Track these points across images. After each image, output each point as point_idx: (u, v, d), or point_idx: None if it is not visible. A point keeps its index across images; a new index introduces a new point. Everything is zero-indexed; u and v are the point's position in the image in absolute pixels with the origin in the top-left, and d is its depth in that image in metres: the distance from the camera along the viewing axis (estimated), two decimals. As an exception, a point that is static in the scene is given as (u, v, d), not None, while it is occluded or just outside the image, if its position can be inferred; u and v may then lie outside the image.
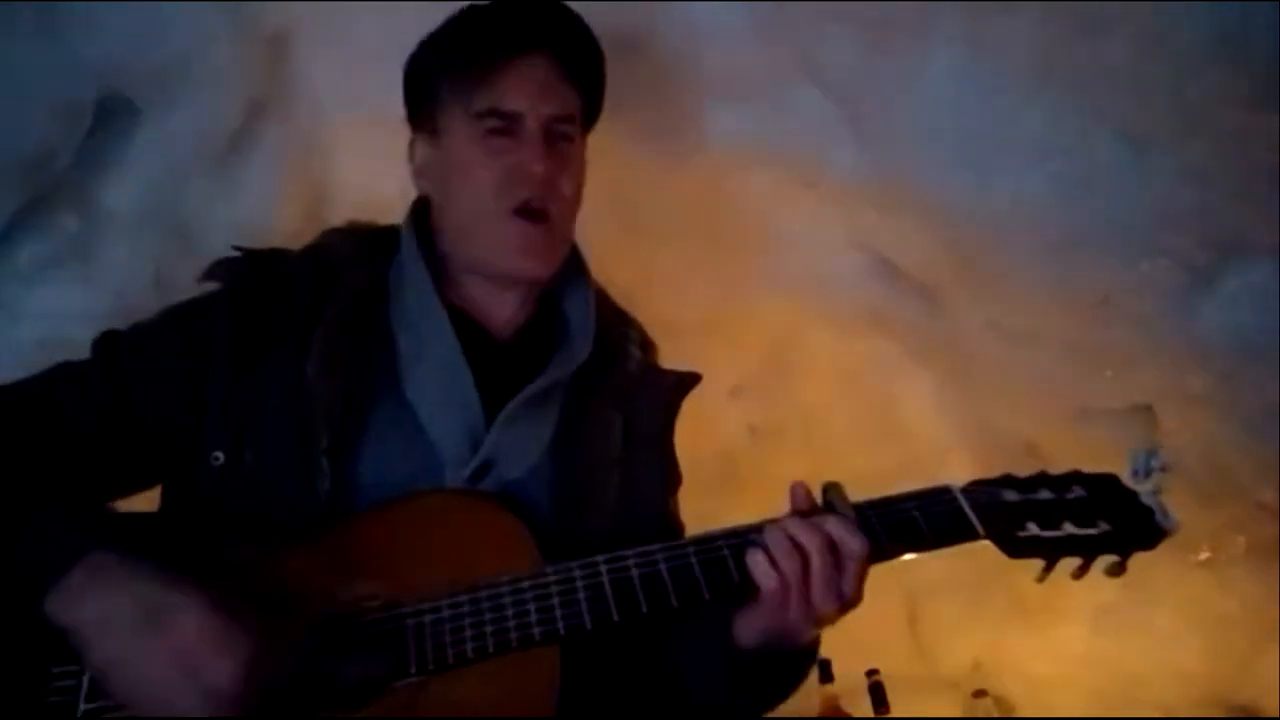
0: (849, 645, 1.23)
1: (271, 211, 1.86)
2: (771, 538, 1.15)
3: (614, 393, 1.39)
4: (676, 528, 1.42)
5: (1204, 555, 2.12)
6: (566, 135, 1.35)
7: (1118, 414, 2.04)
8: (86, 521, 1.10)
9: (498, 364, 1.33)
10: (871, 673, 2.40)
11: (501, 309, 1.37)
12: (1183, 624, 2.41)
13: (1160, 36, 1.51)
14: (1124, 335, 1.86)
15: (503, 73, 1.32)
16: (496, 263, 1.34)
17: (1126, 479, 1.25)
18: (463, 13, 1.38)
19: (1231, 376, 1.83)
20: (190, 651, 1.02)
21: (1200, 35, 1.48)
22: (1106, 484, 1.26)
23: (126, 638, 1.02)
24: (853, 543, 1.14)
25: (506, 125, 1.32)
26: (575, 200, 1.38)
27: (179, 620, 1.02)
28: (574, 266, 1.44)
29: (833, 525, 1.15)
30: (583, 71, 1.38)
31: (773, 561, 1.14)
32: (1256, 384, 1.81)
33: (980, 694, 2.57)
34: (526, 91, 1.32)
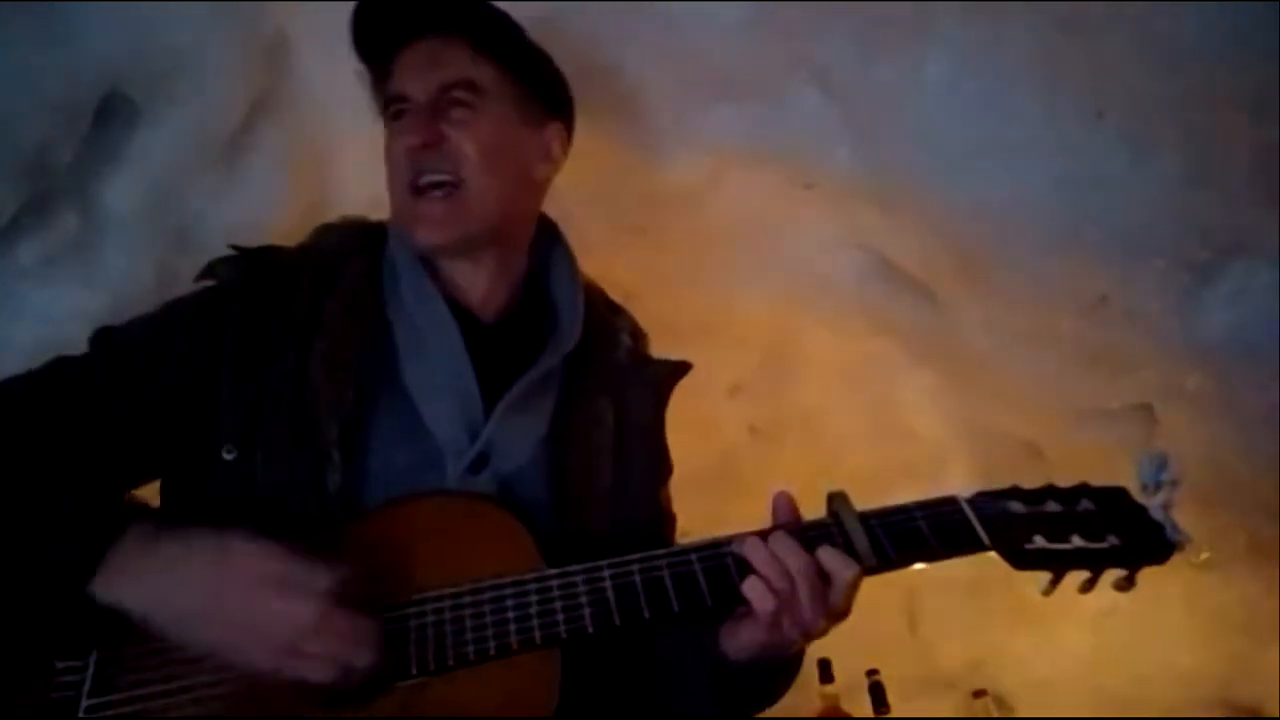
0: (849, 645, 1.22)
1: (272, 211, 1.86)
2: (759, 559, 1.13)
3: (605, 381, 1.40)
4: (668, 518, 1.43)
5: (1204, 555, 2.12)
6: (462, 101, 1.35)
7: (1118, 414, 2.04)
8: (109, 503, 1.13)
9: (488, 348, 1.33)
10: (871, 673, 2.41)
11: (475, 286, 1.37)
12: (1183, 624, 2.41)
13: (1160, 36, 1.50)
14: (1124, 335, 1.86)
15: (397, 60, 1.38)
16: (412, 240, 1.35)
17: (1135, 492, 1.23)
18: (355, 12, 1.40)
19: (1231, 376, 1.82)
20: (274, 575, 1.05)
21: (1200, 35, 1.48)
22: (1116, 497, 1.24)
23: (203, 584, 1.05)
24: (846, 573, 1.13)
25: (404, 108, 1.36)
26: (488, 163, 1.34)
27: (247, 550, 1.05)
28: (551, 242, 1.45)
29: (824, 556, 1.14)
30: (492, 42, 1.37)
31: (769, 586, 1.13)
32: (1256, 384, 1.80)
33: (980, 694, 2.58)
34: (413, 71, 1.36)
